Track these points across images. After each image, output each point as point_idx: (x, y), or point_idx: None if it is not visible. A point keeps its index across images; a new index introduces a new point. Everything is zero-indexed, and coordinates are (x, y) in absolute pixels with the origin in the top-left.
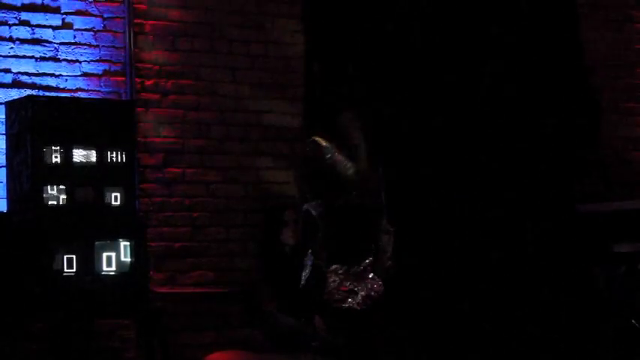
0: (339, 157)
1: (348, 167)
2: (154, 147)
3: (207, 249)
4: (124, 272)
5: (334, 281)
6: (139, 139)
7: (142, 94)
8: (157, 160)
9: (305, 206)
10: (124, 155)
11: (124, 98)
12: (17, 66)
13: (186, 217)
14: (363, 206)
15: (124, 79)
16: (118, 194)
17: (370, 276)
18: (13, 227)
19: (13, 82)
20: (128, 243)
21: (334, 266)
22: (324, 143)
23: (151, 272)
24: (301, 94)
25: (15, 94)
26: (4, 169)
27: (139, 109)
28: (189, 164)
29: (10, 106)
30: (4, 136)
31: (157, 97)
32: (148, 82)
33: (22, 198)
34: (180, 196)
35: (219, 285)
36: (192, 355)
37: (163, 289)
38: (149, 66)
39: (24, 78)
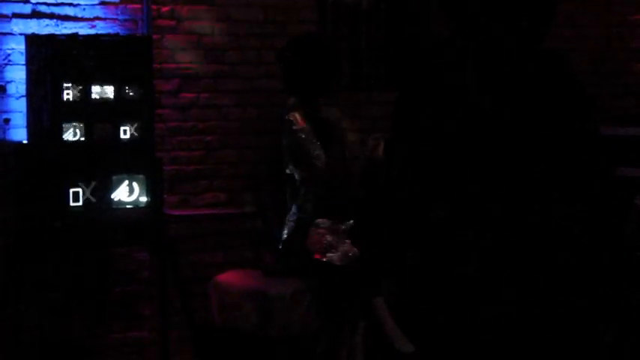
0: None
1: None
2: (169, 73)
3: (220, 171)
4: (140, 205)
5: (318, 233)
6: (154, 65)
7: (158, 20)
8: (172, 85)
9: (288, 170)
10: (141, 90)
11: (140, 25)
12: None
13: (200, 141)
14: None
15: (140, 6)
16: (135, 129)
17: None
18: (33, 161)
19: (32, 12)
20: (144, 177)
21: (319, 220)
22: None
23: (165, 195)
24: (314, 18)
25: (34, 24)
26: (24, 99)
27: (155, 37)
28: (204, 89)
29: (30, 41)
30: (24, 67)
31: (172, 23)
32: (164, 9)
33: (41, 133)
34: (194, 121)
35: (231, 206)
36: (203, 275)
37: (176, 212)
38: None
39: (43, 8)
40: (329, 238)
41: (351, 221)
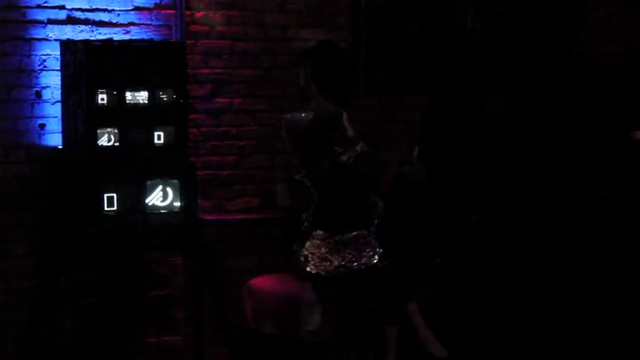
0: (296, 115)
1: (304, 117)
2: (202, 78)
3: (253, 176)
4: (174, 210)
5: (312, 245)
6: (188, 70)
7: (191, 26)
8: (206, 90)
9: (297, 176)
10: (174, 96)
11: (174, 31)
12: (71, 2)
13: (233, 146)
14: (354, 175)
15: (174, 12)
16: (169, 134)
17: (357, 248)
18: (68, 166)
19: (67, 18)
20: (178, 182)
21: (317, 231)
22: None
23: (199, 200)
24: (348, 23)
25: (69, 30)
26: (60, 105)
27: (188, 42)
28: (237, 94)
29: (65, 47)
30: (59, 73)
31: (206, 28)
32: (198, 14)
33: (76, 138)
34: (227, 126)
35: (264, 211)
36: (237, 279)
37: (210, 217)
38: None
39: (77, 14)
40: (323, 250)
41: (355, 232)
